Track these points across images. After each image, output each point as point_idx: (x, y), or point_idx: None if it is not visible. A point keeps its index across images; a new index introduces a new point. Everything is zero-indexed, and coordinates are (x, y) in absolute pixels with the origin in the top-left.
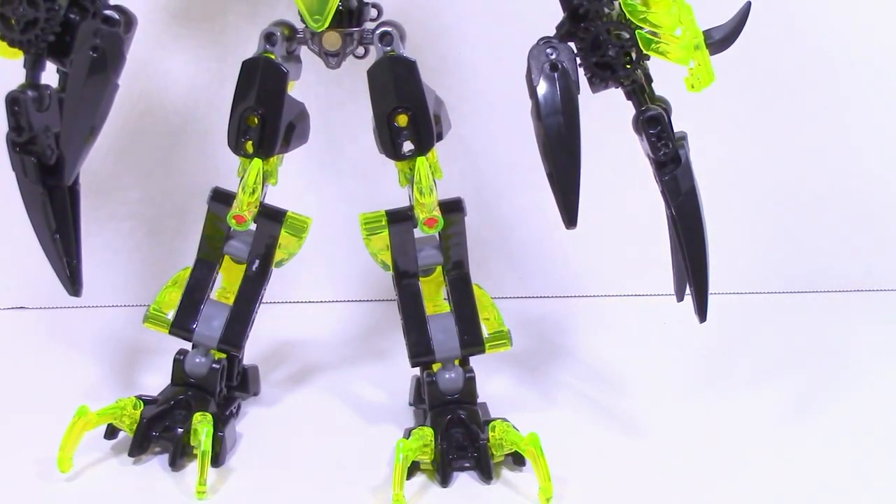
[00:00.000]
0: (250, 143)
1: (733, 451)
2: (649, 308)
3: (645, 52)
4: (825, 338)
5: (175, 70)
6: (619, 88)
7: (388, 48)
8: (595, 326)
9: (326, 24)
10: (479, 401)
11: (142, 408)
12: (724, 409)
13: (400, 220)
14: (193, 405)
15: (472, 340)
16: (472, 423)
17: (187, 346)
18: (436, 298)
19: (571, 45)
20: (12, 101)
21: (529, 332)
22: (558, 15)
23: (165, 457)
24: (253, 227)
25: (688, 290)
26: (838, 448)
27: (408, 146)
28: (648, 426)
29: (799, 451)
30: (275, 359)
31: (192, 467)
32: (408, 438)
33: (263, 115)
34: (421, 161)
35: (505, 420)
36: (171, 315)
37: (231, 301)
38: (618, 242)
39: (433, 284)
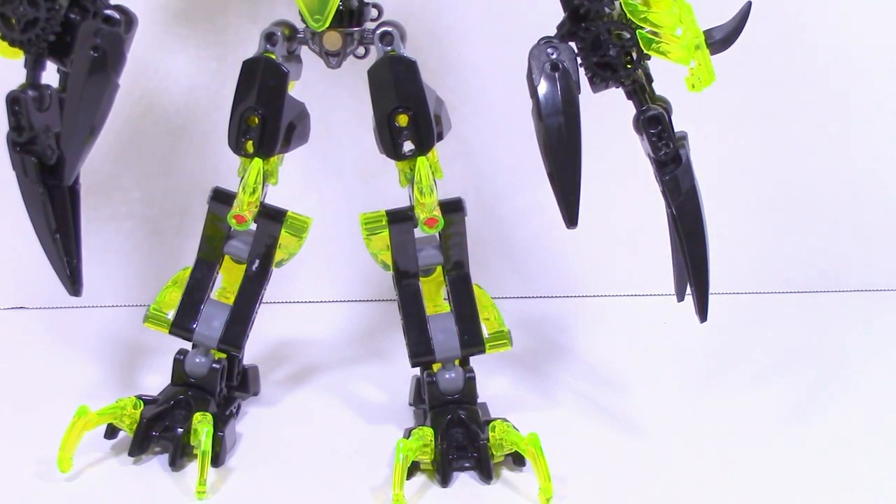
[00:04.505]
0: (251, 142)
1: (733, 450)
2: (649, 308)
3: (646, 51)
4: (825, 338)
5: (176, 70)
6: (620, 88)
7: (389, 48)
8: (595, 326)
9: (327, 24)
10: (479, 401)
11: (142, 408)
12: (724, 409)
13: (400, 220)
14: (193, 405)
15: (472, 340)
16: (472, 423)
17: (187, 345)
18: (436, 298)
19: (572, 44)
20: (13, 100)
21: (529, 332)
22: (559, 15)
23: (165, 457)
24: (253, 227)
25: (688, 290)
26: (838, 448)
27: (408, 146)
28: (648, 426)
29: (799, 450)
30: (275, 359)
31: (192, 467)
32: (408, 438)
33: (264, 114)
34: (421, 161)
35: (505, 420)
36: (171, 315)
37: (231, 301)
38: (618, 242)
39: (433, 284)
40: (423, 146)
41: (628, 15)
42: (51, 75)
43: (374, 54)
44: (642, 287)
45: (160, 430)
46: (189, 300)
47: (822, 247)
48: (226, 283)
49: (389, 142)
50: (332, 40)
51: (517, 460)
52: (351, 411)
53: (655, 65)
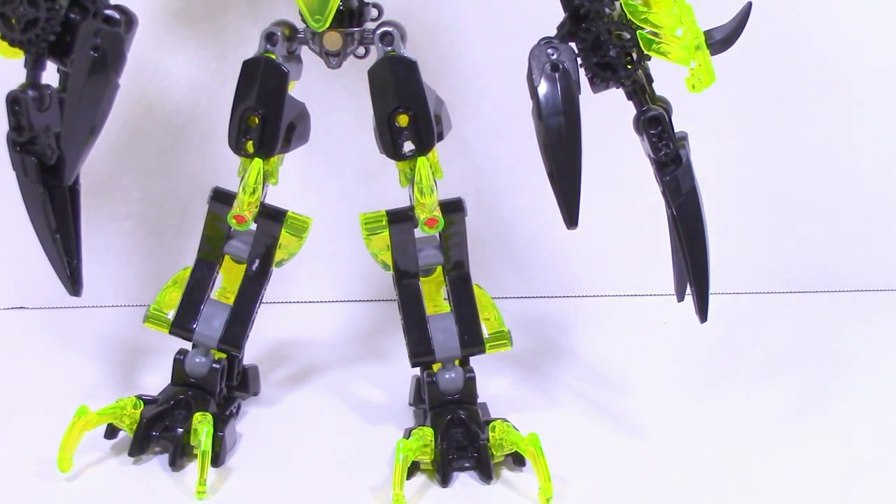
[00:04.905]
0: (251, 142)
1: (733, 450)
2: (649, 308)
3: (646, 52)
4: (825, 338)
5: (176, 70)
6: (620, 89)
7: (389, 48)
8: (595, 326)
9: (327, 24)
10: (479, 401)
11: (142, 407)
12: (724, 409)
13: (400, 220)
14: (193, 405)
15: (472, 340)
16: (472, 424)
17: (187, 345)
18: (436, 298)
19: (572, 45)
20: (13, 100)
21: (529, 332)
22: (559, 15)
23: (165, 457)
24: (253, 227)
25: (688, 290)
26: (838, 447)
27: (408, 146)
28: (649, 426)
29: (799, 450)
30: (275, 359)
31: (192, 467)
32: (408, 438)
33: (264, 114)
34: (421, 161)
35: (505, 420)
36: (171, 315)
37: (231, 301)
38: (618, 242)
39: (433, 284)
40: (424, 146)
41: (628, 15)
42: (51, 75)
43: (375, 54)
44: (642, 287)
45: (160, 430)
46: (189, 300)
47: (822, 247)
48: (226, 283)
49: (389, 142)
50: (333, 40)
51: (517, 460)
52: (351, 411)
53: (655, 65)
